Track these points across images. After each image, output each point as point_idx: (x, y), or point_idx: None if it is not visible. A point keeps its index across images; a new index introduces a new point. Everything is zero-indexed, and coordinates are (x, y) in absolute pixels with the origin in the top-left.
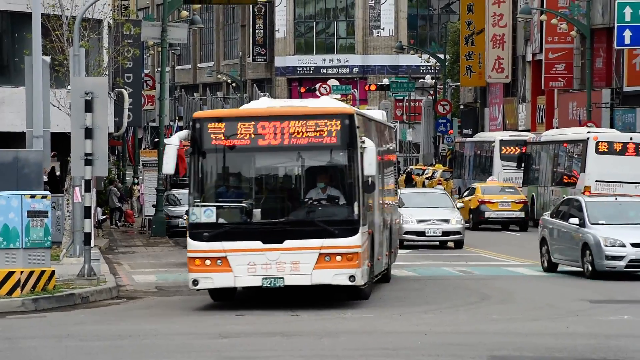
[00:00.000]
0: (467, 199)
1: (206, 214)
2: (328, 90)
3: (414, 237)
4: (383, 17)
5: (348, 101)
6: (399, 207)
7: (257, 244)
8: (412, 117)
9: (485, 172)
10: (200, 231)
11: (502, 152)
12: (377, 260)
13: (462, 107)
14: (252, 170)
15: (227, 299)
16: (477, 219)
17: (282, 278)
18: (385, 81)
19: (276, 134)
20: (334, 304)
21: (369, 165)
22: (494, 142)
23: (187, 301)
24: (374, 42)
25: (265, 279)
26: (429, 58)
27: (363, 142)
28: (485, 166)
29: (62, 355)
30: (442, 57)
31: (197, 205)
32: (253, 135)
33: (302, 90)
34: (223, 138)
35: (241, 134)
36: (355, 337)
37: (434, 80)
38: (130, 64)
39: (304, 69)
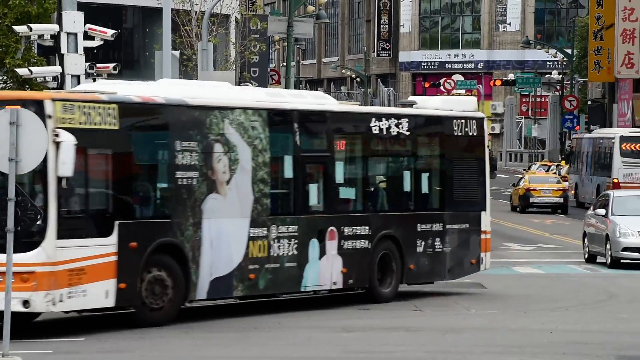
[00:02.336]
0: (518, 187)
1: None
2: (452, 85)
3: (635, 254)
4: (509, 12)
5: (473, 96)
6: (612, 214)
7: None
8: (537, 112)
9: (604, 168)
10: None
11: (622, 149)
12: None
13: (589, 103)
14: None
15: None
16: (524, 204)
17: None
18: (511, 76)
19: None
20: (458, 301)
21: (64, 164)
22: (613, 138)
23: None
24: (500, 37)
25: None
26: (556, 53)
27: (57, 135)
28: (604, 162)
29: (190, 345)
30: (570, 52)
31: None
32: None
33: (427, 85)
34: None
35: None
36: (479, 333)
37: (560, 76)
38: (256, 59)
39: (429, 64)
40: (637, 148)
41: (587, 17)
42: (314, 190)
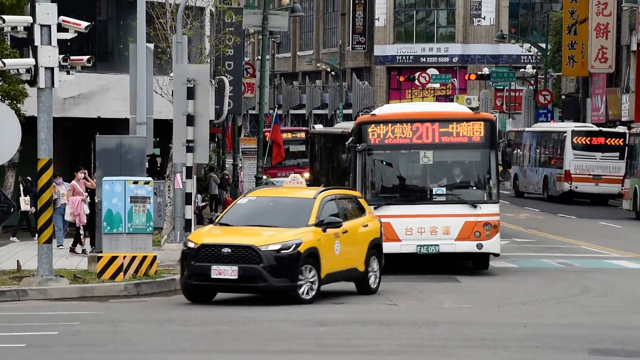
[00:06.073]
0: None
1: None
2: (427, 79)
3: None
4: (484, 6)
5: (448, 90)
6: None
7: None
8: (512, 107)
9: (554, 160)
10: None
11: (574, 142)
12: None
13: (563, 97)
14: None
15: None
16: None
17: None
18: (486, 70)
19: None
20: (432, 295)
21: None
22: (565, 132)
23: None
24: (475, 31)
25: None
26: (530, 47)
27: None
28: (554, 155)
29: (163, 339)
30: (544, 47)
31: None
32: None
33: (402, 79)
34: None
35: None
36: (453, 327)
37: (535, 70)
38: (231, 52)
39: (404, 57)
40: (588, 142)
41: (561, 11)
42: None
